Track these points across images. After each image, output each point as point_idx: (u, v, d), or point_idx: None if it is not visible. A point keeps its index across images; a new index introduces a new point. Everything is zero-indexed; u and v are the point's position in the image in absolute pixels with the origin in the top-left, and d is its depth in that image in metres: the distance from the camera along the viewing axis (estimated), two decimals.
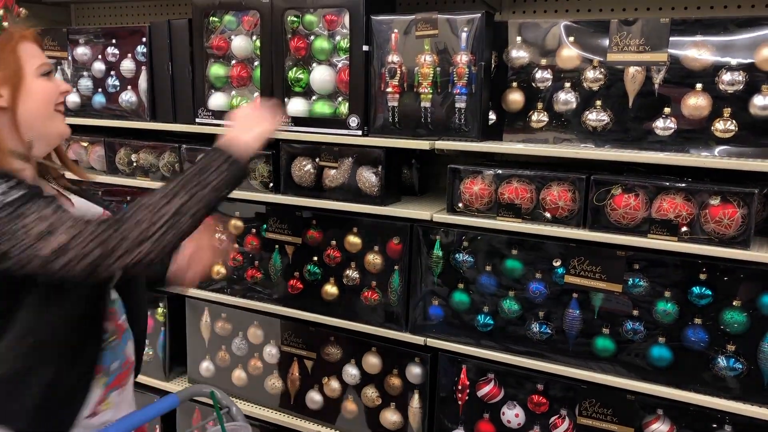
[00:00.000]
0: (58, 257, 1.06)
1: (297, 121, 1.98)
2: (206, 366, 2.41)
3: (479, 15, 1.71)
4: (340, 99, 1.97)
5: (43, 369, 1.21)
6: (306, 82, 1.99)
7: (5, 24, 1.24)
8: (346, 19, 1.88)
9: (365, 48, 1.84)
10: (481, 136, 1.78)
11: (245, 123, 1.35)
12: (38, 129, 1.25)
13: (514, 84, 1.79)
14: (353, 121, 1.88)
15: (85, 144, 2.48)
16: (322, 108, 1.98)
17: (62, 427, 1.26)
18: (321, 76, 1.96)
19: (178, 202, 1.14)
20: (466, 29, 1.72)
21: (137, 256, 1.09)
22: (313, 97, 2.01)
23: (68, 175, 1.42)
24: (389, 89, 1.83)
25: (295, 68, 2.00)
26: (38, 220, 1.07)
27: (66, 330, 1.23)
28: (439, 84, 1.77)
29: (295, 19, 1.97)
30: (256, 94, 2.07)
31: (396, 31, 1.81)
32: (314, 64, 1.98)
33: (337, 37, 1.94)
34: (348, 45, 1.88)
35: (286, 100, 2.00)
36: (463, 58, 1.74)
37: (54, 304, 1.20)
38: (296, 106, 2.00)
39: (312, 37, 1.97)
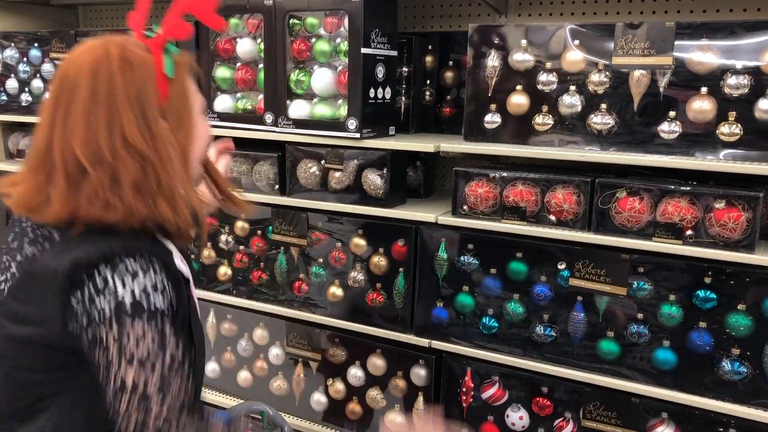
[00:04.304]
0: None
1: (298, 123, 1.98)
2: (212, 367, 2.41)
3: None
4: (340, 101, 1.97)
5: None
6: (308, 85, 2.00)
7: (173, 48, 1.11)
8: (346, 21, 1.87)
9: (364, 51, 1.83)
10: None
11: None
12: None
13: (519, 87, 1.79)
14: (351, 123, 1.88)
15: None
16: (323, 110, 1.98)
17: None
18: (322, 78, 1.96)
19: None
20: None
21: None
22: (315, 100, 2.02)
23: None
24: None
25: (297, 70, 2.00)
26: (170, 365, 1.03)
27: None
28: None
29: (297, 21, 1.97)
30: (260, 96, 2.07)
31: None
32: (315, 67, 1.99)
33: (338, 40, 1.95)
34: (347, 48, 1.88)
35: (288, 102, 2.01)
36: None
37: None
38: (298, 108, 2.01)
39: (313, 40, 1.98)
